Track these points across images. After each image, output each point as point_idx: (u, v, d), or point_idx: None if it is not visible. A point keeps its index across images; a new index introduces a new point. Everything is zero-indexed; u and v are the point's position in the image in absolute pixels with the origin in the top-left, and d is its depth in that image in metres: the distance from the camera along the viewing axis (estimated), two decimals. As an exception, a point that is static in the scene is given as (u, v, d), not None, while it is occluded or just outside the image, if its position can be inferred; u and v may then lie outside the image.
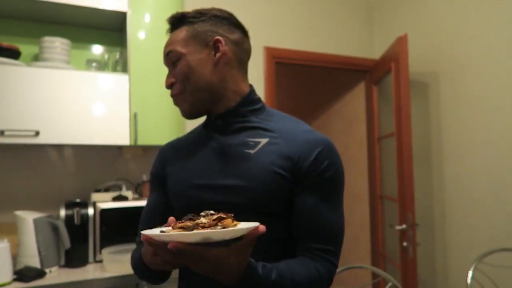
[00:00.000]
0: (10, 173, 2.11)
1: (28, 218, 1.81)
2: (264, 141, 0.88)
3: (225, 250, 0.66)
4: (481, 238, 2.28)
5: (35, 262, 1.79)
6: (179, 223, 0.65)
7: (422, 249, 2.69)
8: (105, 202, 2.02)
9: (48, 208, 2.17)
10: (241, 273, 0.71)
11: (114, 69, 2.29)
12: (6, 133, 1.80)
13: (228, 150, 0.89)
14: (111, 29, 2.33)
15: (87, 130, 1.96)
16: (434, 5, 2.60)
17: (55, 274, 1.81)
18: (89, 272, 1.83)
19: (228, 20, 0.92)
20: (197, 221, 0.64)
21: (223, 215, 0.66)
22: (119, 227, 2.01)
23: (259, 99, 0.95)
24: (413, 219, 2.26)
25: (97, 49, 2.33)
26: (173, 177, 0.96)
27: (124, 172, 2.35)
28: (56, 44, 2.01)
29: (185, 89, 0.89)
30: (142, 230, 0.93)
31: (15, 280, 1.71)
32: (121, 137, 2.02)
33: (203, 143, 0.95)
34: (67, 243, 1.86)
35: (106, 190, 2.24)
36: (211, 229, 0.61)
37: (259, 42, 2.70)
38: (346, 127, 3.56)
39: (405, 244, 2.28)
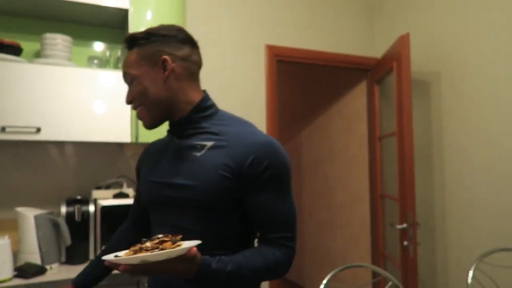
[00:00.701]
0: (11, 169, 2.11)
1: (29, 214, 1.81)
2: (209, 144, 0.98)
3: (169, 263, 0.78)
4: (482, 237, 2.28)
5: (35, 259, 1.79)
6: (132, 246, 0.82)
7: (423, 248, 2.69)
8: (106, 199, 2.02)
9: (49, 205, 2.18)
10: (194, 271, 0.82)
11: (116, 67, 2.29)
12: (7, 129, 1.80)
13: (181, 152, 1.02)
14: (113, 27, 2.33)
15: (88, 127, 1.96)
16: (436, 4, 2.59)
17: (55, 271, 1.81)
18: (90, 269, 1.83)
19: (175, 38, 1.01)
20: (143, 245, 0.79)
21: (165, 239, 0.81)
22: (120, 224, 2.01)
23: (210, 106, 1.05)
24: (413, 218, 2.26)
25: (99, 46, 2.32)
26: (142, 175, 1.12)
27: (125, 170, 2.35)
28: (58, 41, 2.01)
29: (143, 105, 1.00)
30: (131, 215, 1.25)
31: (15, 276, 1.71)
32: (122, 134, 2.02)
33: (166, 146, 1.09)
34: (67, 240, 1.86)
35: (107, 187, 2.24)
36: (151, 251, 0.76)
37: (261, 40, 2.69)
38: (347, 126, 3.56)
39: (405, 243, 2.27)
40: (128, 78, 1.01)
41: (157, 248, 0.78)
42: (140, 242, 0.86)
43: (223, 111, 1.07)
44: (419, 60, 2.72)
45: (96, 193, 2.06)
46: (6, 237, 1.71)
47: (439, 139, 2.58)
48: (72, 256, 1.92)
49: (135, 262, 0.75)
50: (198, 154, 0.98)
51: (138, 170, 1.21)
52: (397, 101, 2.40)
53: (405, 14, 2.84)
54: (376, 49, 3.11)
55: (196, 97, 1.03)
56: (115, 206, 2.01)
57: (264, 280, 0.95)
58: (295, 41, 2.81)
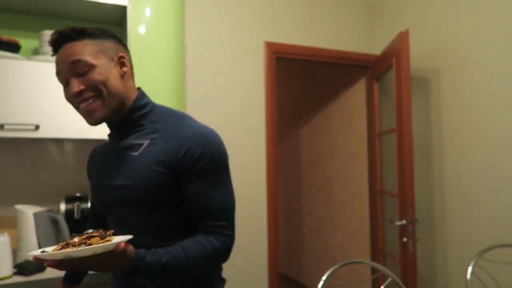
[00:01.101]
0: (10, 167, 2.11)
1: (28, 212, 1.81)
2: (146, 142, 1.00)
3: (98, 259, 0.79)
4: (481, 234, 2.28)
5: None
6: (62, 241, 0.83)
7: (422, 245, 2.69)
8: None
9: (48, 202, 2.18)
10: (128, 265, 0.84)
11: (114, 64, 2.28)
12: (6, 127, 1.79)
13: (120, 153, 1.03)
14: (111, 23, 2.32)
15: (87, 125, 1.95)
16: (435, 1, 2.59)
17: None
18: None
19: (121, 42, 1.06)
20: (70, 240, 0.79)
21: (94, 234, 0.81)
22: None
23: (146, 104, 1.05)
24: (413, 215, 2.26)
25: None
26: (91, 179, 1.15)
27: (124, 167, 2.34)
28: (56, 38, 2.00)
29: (99, 96, 0.97)
30: (91, 220, 1.31)
31: (15, 273, 1.71)
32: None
33: (107, 150, 1.10)
34: (67, 237, 1.86)
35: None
36: (76, 247, 0.76)
37: (260, 37, 2.69)
38: (347, 123, 3.56)
39: (405, 239, 2.28)
40: (82, 66, 0.95)
41: (84, 243, 0.77)
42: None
43: (159, 106, 1.08)
44: (419, 56, 2.72)
45: (95, 191, 2.06)
46: (6, 234, 1.71)
47: (438, 135, 2.58)
48: (71, 253, 1.92)
49: (59, 257, 0.75)
50: (136, 153, 0.99)
51: (89, 175, 1.22)
52: (397, 98, 2.39)
53: (404, 11, 2.84)
54: (375, 46, 3.10)
55: (133, 96, 1.05)
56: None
57: (203, 269, 0.95)
58: (294, 38, 2.80)
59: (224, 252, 0.98)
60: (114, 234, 1.06)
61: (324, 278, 1.58)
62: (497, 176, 2.20)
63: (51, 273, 1.73)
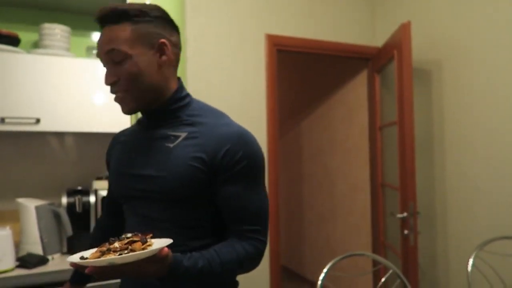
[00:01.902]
0: (11, 161, 2.11)
1: (30, 205, 1.81)
2: (183, 135, 0.95)
3: (139, 265, 0.75)
4: (482, 226, 2.28)
5: (37, 249, 1.80)
6: (100, 246, 0.77)
7: (423, 238, 2.69)
8: (107, 189, 2.02)
9: (49, 196, 2.18)
10: (165, 270, 0.80)
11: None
12: (6, 120, 1.79)
13: (153, 143, 0.97)
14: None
15: (88, 118, 1.95)
16: (438, -8, 2.57)
17: (57, 261, 1.82)
18: (91, 259, 1.84)
19: (168, 22, 0.96)
20: (111, 246, 0.76)
21: (135, 239, 0.77)
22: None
23: (186, 95, 1.00)
24: (414, 208, 2.26)
25: (97, 37, 2.31)
26: (112, 166, 1.07)
27: (126, 160, 2.35)
28: (56, 31, 1.99)
29: (132, 88, 0.92)
30: (106, 209, 1.22)
31: (17, 266, 1.72)
32: (122, 124, 2.01)
33: (135, 136, 1.03)
34: (69, 230, 1.87)
35: (107, 177, 2.24)
36: (119, 253, 0.73)
37: (261, 29, 2.67)
38: (348, 115, 3.55)
39: (406, 232, 2.28)
40: (117, 55, 0.90)
41: (126, 249, 0.74)
42: (108, 241, 0.85)
43: (198, 100, 1.03)
44: (420, 48, 2.70)
45: (96, 184, 2.06)
46: (8, 227, 1.71)
47: (440, 128, 2.57)
48: (73, 246, 1.93)
49: (102, 264, 0.71)
50: (171, 145, 0.94)
51: (108, 162, 1.15)
52: (398, 90, 2.38)
53: (406, 2, 2.82)
54: (377, 38, 3.08)
55: (174, 86, 0.99)
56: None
57: (235, 274, 0.93)
58: (295, 30, 2.79)
59: (257, 258, 0.94)
60: (136, 231, 1.01)
61: (325, 270, 1.59)
62: (498, 168, 2.20)
63: (54, 266, 1.74)
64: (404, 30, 2.29)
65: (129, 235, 0.79)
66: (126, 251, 0.73)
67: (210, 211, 0.96)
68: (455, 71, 2.45)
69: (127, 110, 0.95)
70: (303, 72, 4.27)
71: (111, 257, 0.70)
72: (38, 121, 1.83)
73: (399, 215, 2.32)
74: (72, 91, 1.92)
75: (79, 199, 1.95)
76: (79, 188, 2.02)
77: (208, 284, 0.94)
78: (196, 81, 2.47)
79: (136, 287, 0.99)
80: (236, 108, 2.58)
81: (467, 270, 1.83)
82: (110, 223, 1.23)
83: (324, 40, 2.87)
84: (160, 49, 0.93)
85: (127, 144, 1.04)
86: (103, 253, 0.74)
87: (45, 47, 1.98)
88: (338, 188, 3.70)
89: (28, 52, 1.96)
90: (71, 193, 1.98)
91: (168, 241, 0.79)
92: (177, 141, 0.94)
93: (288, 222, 4.58)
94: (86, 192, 1.99)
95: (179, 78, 1.02)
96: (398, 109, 2.39)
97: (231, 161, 0.91)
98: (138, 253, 0.71)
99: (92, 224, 1.99)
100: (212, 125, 0.95)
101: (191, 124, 0.96)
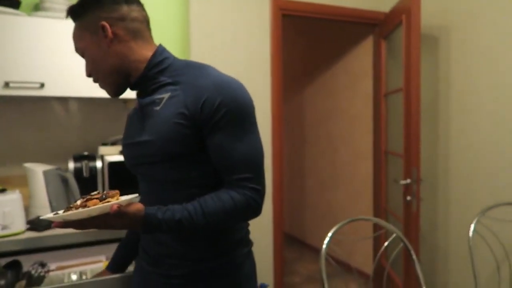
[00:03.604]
0: (17, 126, 2.11)
1: (38, 170, 1.82)
2: (167, 96, 0.97)
3: (103, 219, 0.83)
4: (484, 193, 2.31)
5: (46, 213, 1.83)
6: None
7: (424, 204, 2.73)
8: (112, 155, 2.03)
9: (55, 161, 2.19)
10: (139, 224, 0.86)
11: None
12: (11, 85, 1.77)
13: (144, 110, 1.01)
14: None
15: (92, 83, 1.93)
16: (449, -47, 2.48)
17: (66, 225, 1.85)
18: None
19: (104, 1, 0.98)
20: (72, 204, 0.84)
21: (95, 196, 0.85)
22: (127, 179, 2.04)
23: (164, 59, 1.01)
24: (418, 174, 2.28)
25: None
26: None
27: (130, 126, 2.34)
28: (57, -7, 1.93)
29: (100, 76, 1.00)
30: None
31: (28, 229, 1.75)
32: (126, 91, 1.99)
33: (135, 109, 1.08)
34: (77, 195, 1.89)
35: (113, 143, 2.25)
36: (74, 210, 0.81)
37: (266, -8, 2.60)
38: (353, 82, 3.51)
39: (409, 198, 2.31)
40: (79, 52, 1.01)
41: (84, 206, 0.81)
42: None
43: (178, 59, 1.03)
44: (428, 14, 2.64)
45: (102, 149, 2.07)
46: (17, 191, 1.73)
47: (445, 95, 2.55)
48: (81, 210, 1.95)
49: (58, 220, 0.80)
50: (158, 108, 0.97)
51: None
52: (405, 56, 2.35)
53: (416, -35, 2.72)
54: (384, 3, 3.00)
55: (148, 53, 1.01)
56: (122, 162, 2.02)
57: (226, 224, 0.93)
58: (301, -7, 2.71)
59: (248, 206, 0.93)
60: (147, 195, 1.05)
61: (330, 234, 1.62)
62: (501, 136, 2.20)
63: (63, 229, 1.77)
64: (414, -7, 2.23)
65: (94, 192, 0.88)
66: (80, 208, 0.81)
67: (208, 168, 0.97)
68: (463, 37, 2.41)
69: (111, 95, 1.03)
70: (308, 38, 4.20)
71: (65, 214, 0.78)
72: (42, 85, 1.81)
73: (403, 182, 2.35)
74: (75, 55, 1.89)
75: (86, 164, 1.97)
76: (85, 153, 2.02)
77: (216, 241, 1.00)
78: (199, 46, 2.43)
79: (150, 244, 1.05)
80: (240, 73, 2.55)
81: (468, 235, 1.87)
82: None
83: (330, 4, 2.80)
84: (103, 31, 0.97)
85: (130, 118, 1.10)
86: (66, 210, 0.83)
87: (46, 9, 1.93)
88: (341, 155, 3.72)
89: (29, 15, 1.91)
90: (77, 158, 1.98)
91: (132, 196, 0.88)
92: (162, 103, 0.97)
93: (290, 188, 4.63)
94: (92, 158, 2.00)
95: (159, 45, 1.04)
96: (404, 76, 2.37)
97: (210, 111, 0.91)
98: (87, 210, 0.79)
99: (99, 188, 2.01)
100: (192, 78, 0.95)
101: (174, 84, 0.98)
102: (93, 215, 0.81)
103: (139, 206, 0.86)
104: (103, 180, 2.01)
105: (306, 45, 4.23)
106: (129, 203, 0.87)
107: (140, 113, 1.02)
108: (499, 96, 2.22)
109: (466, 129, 2.41)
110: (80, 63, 1.89)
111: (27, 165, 1.85)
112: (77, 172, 1.96)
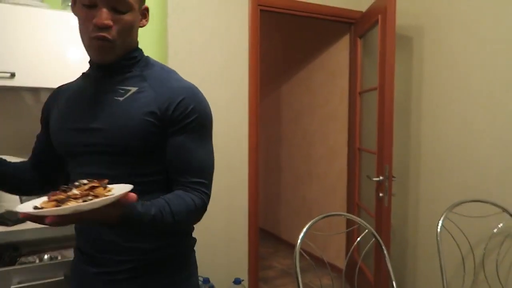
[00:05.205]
0: (-16, 116, 2.03)
1: (6, 162, 1.76)
2: (133, 89, 0.96)
3: (101, 211, 0.72)
4: (453, 190, 2.40)
5: (16, 207, 1.77)
6: (52, 195, 0.72)
7: (395, 200, 2.81)
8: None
9: (26, 153, 2.12)
10: (118, 215, 0.78)
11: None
12: (-22, 74, 1.70)
13: (99, 96, 0.97)
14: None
15: (64, 74, 1.86)
16: (424, -44, 2.54)
17: (37, 219, 1.80)
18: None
19: None
20: (69, 193, 0.71)
21: (95, 184, 0.74)
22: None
23: (141, 51, 1.03)
24: (390, 170, 2.34)
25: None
26: (53, 121, 1.04)
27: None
28: (29, -20, 1.87)
29: (120, 39, 0.93)
30: (30, 162, 1.14)
31: (-4, 224, 1.70)
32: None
33: (82, 90, 1.01)
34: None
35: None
36: (82, 200, 0.70)
37: (245, -13, 2.59)
38: (329, 80, 3.56)
39: (381, 194, 2.37)
40: (124, 5, 0.91)
41: (87, 195, 0.71)
42: (56, 189, 0.75)
43: (148, 57, 1.05)
44: (403, 14, 2.70)
45: (75, 142, 2.02)
46: (-16, 185, 1.67)
47: (417, 94, 2.62)
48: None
49: (66, 213, 0.67)
50: (121, 98, 0.95)
51: (46, 116, 1.11)
52: (380, 56, 2.40)
53: (392, -35, 2.78)
54: (361, 2, 3.05)
55: (135, 46, 1.02)
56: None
57: (182, 226, 0.93)
58: (279, -11, 2.72)
59: (202, 210, 0.96)
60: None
61: (305, 229, 1.64)
62: (471, 134, 2.28)
63: (33, 223, 1.72)
64: (390, -6, 2.28)
65: (84, 181, 0.76)
66: (90, 198, 0.71)
67: (158, 167, 0.97)
68: (436, 37, 2.48)
69: (103, 59, 0.94)
70: (285, 34, 4.21)
71: (77, 204, 0.67)
72: (13, 75, 1.75)
73: (375, 178, 2.41)
74: (48, 45, 1.83)
75: (57, 157, 1.92)
76: (57, 146, 1.97)
77: (164, 234, 0.98)
78: (177, 40, 2.40)
79: (90, 244, 0.99)
80: (218, 68, 2.54)
81: (436, 230, 1.94)
82: (30, 171, 1.14)
83: (308, 1, 2.82)
84: (143, 14, 1.00)
85: (70, 99, 1.02)
86: (61, 201, 0.69)
87: (17, -4, 1.86)
88: (316, 151, 3.77)
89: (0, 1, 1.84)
90: (49, 151, 1.93)
91: (129, 186, 0.78)
92: (127, 95, 0.95)
93: (265, 183, 4.66)
94: (64, 151, 1.96)
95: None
96: (379, 75, 2.42)
97: (183, 114, 0.93)
98: (103, 199, 0.69)
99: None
100: (163, 79, 0.97)
101: (141, 78, 0.98)
102: (106, 204, 0.71)
103: (134, 197, 0.77)
104: (76, 173, 1.96)
105: (283, 41, 4.24)
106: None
107: (91, 98, 0.98)
108: (468, 96, 2.30)
109: (437, 128, 2.49)
110: (51, 53, 1.84)
111: (-4, 157, 1.79)
112: (49, 165, 1.91)
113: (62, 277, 1.57)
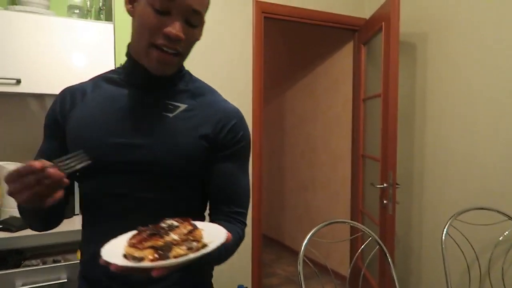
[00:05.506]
0: (-10, 122, 2.04)
1: (10, 168, 1.77)
2: (183, 106, 0.89)
3: None
4: (458, 198, 2.38)
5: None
6: (141, 240, 0.62)
7: (399, 207, 2.79)
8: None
9: (30, 159, 2.13)
10: None
11: (97, 18, 2.19)
12: (-15, 80, 1.72)
13: (146, 110, 0.87)
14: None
15: (69, 80, 1.88)
16: (428, -36, 2.55)
17: (41, 225, 1.81)
18: (76, 223, 1.83)
19: None
20: (168, 238, 0.62)
21: (188, 226, 0.66)
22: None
23: (183, 66, 0.97)
24: (393, 177, 2.33)
25: (79, -5, 2.20)
26: (76, 130, 0.88)
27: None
28: (35, -13, 1.89)
29: (185, 53, 0.88)
30: None
31: (0, 230, 1.70)
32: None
33: (117, 99, 0.88)
34: (52, 195, 1.85)
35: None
36: (186, 246, 0.61)
37: (249, -6, 2.61)
38: (332, 86, 3.56)
39: (385, 201, 2.36)
40: (198, 19, 0.84)
41: (187, 239, 0.62)
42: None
43: (190, 72, 0.99)
44: (407, 21, 2.71)
45: (79, 148, 2.03)
46: (-11, 190, 1.68)
47: (421, 101, 2.62)
48: (57, 210, 1.91)
49: (182, 263, 0.59)
50: (170, 114, 0.87)
51: (63, 123, 0.92)
52: (384, 63, 2.40)
53: (395, -27, 2.79)
54: (364, 10, 3.06)
55: None
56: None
57: (224, 260, 0.86)
58: (283, -3, 2.73)
59: (241, 242, 0.91)
60: (111, 214, 0.86)
61: (308, 237, 1.64)
62: (475, 141, 2.27)
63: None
64: (393, 2, 2.28)
65: (170, 221, 0.66)
66: (194, 243, 0.62)
67: (195, 193, 0.91)
68: (440, 44, 2.48)
69: (164, 71, 0.85)
70: (289, 41, 4.23)
71: (194, 254, 0.59)
72: (19, 82, 1.77)
73: (379, 185, 2.39)
74: (53, 52, 1.85)
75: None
76: (62, 152, 1.98)
77: (203, 270, 0.93)
78: (181, 46, 2.42)
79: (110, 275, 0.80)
80: (222, 75, 2.55)
81: (441, 238, 1.92)
82: None
83: (312, 9, 2.83)
84: (201, 28, 0.89)
85: (99, 107, 0.88)
86: (162, 249, 0.60)
87: (23, 3, 1.88)
88: (320, 158, 3.76)
89: (6, 8, 1.86)
90: (53, 157, 1.94)
91: (220, 228, 0.70)
92: (177, 112, 0.87)
93: (269, 190, 4.65)
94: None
95: None
96: (383, 82, 2.42)
97: (234, 139, 0.89)
98: (218, 245, 0.62)
99: (76, 187, 1.96)
100: (212, 100, 0.92)
101: (189, 95, 0.91)
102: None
103: (230, 238, 0.70)
104: (79, 179, 1.97)
105: (288, 48, 4.26)
106: None
107: (139, 111, 0.87)
108: (472, 102, 2.29)
109: (441, 134, 2.48)
110: (57, 60, 1.85)
111: (0, 163, 1.80)
112: (53, 171, 1.91)
113: (65, 280, 1.59)
